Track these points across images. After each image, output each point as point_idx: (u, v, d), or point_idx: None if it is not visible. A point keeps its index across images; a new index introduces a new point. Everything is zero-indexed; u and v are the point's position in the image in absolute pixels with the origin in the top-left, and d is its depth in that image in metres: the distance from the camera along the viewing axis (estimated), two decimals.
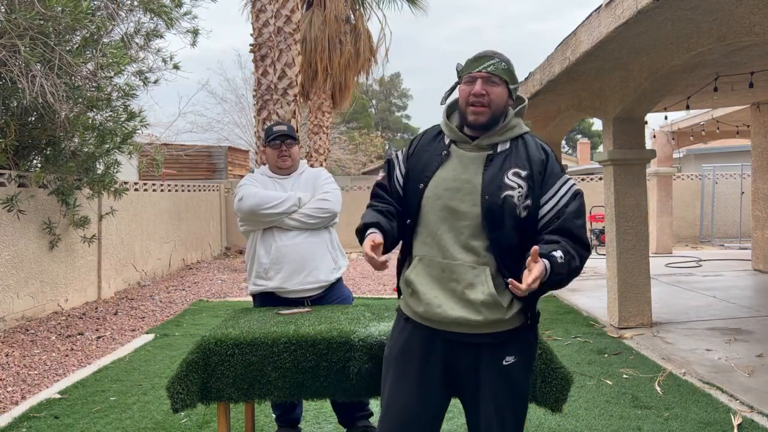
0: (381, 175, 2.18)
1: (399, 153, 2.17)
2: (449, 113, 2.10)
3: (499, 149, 1.97)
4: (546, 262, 1.79)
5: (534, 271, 1.75)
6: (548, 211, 1.93)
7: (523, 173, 1.93)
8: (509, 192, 1.90)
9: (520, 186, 1.91)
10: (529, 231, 1.93)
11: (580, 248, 1.91)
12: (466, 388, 2.01)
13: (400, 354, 2.05)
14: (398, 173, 2.12)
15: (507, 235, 1.91)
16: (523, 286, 1.73)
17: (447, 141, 2.03)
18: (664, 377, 4.32)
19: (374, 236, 1.92)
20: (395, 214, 2.08)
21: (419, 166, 2.04)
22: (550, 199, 1.94)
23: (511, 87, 1.99)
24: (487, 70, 1.93)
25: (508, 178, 1.92)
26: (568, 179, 1.99)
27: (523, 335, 2.00)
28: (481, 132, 1.98)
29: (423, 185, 1.99)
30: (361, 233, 2.01)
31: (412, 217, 2.03)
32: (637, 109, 5.68)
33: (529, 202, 1.91)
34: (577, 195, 1.96)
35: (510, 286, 1.78)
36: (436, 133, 2.10)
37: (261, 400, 2.59)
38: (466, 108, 1.97)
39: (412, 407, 1.99)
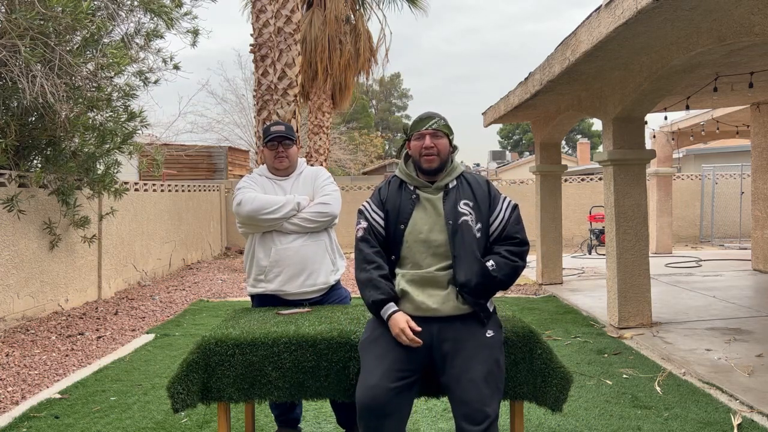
0: (362, 224, 2.54)
1: (368, 204, 2.57)
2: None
3: (449, 186, 2.49)
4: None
5: None
6: (498, 225, 2.49)
7: (471, 203, 2.47)
8: (464, 217, 2.42)
9: (470, 212, 2.45)
10: (484, 244, 2.45)
11: (520, 246, 2.47)
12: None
13: None
14: (377, 218, 2.51)
15: (468, 249, 2.38)
16: None
17: (412, 188, 2.50)
18: (663, 377, 4.32)
19: (407, 319, 2.34)
20: (385, 259, 2.48)
21: (395, 211, 2.48)
22: (497, 216, 2.49)
23: (451, 138, 2.52)
24: (432, 128, 2.46)
25: (460, 207, 2.44)
26: (505, 197, 2.55)
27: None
28: (433, 176, 2.48)
29: (404, 226, 2.45)
30: (379, 305, 2.39)
31: (396, 252, 2.47)
32: (637, 109, 5.68)
33: (479, 224, 2.44)
34: (515, 207, 2.54)
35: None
36: (399, 183, 2.55)
37: (261, 400, 2.60)
38: (420, 158, 2.47)
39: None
